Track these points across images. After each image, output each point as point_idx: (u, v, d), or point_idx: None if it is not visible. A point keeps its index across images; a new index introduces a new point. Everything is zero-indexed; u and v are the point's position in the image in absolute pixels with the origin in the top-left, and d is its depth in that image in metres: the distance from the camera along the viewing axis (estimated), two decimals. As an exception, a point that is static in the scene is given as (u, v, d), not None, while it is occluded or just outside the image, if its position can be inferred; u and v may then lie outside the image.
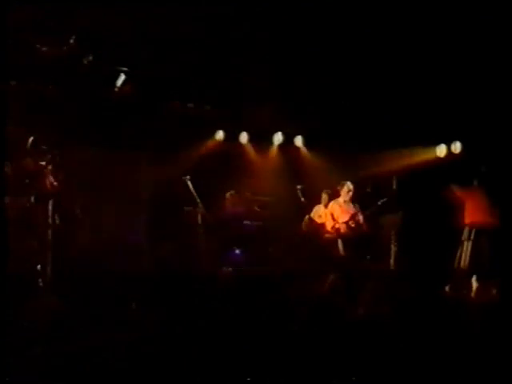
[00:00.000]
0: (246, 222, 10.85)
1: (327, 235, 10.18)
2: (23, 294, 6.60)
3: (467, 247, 9.48)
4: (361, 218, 10.06)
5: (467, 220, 9.59)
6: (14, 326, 5.46)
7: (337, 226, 10.07)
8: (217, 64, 9.57)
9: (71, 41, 8.52)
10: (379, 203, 10.11)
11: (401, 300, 7.31)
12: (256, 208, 11.18)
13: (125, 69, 9.66)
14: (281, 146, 12.07)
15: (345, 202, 10.19)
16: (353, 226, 9.99)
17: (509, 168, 9.83)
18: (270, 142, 12.05)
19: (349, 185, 10.17)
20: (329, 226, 10.19)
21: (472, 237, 9.47)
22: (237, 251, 10.46)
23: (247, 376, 5.04)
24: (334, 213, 10.19)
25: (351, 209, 10.14)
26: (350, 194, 10.16)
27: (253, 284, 8.42)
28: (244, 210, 10.98)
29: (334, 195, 10.47)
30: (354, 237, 9.95)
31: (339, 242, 9.96)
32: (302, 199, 10.80)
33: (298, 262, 10.08)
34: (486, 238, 9.35)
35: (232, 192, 10.98)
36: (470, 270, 9.17)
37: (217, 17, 8.40)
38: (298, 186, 10.91)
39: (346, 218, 10.06)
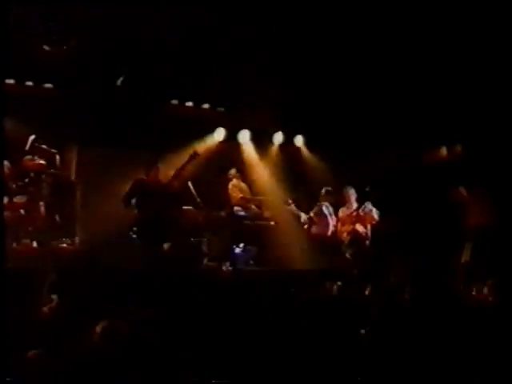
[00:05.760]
0: (246, 222, 10.85)
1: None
2: (23, 294, 6.60)
3: (469, 248, 9.48)
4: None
5: (469, 221, 9.59)
6: (14, 326, 5.46)
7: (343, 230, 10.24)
8: (217, 63, 9.57)
9: (71, 41, 8.53)
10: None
11: (402, 301, 7.32)
12: (255, 208, 11.19)
13: (125, 69, 9.67)
14: (281, 145, 12.07)
15: (350, 205, 10.37)
16: (360, 228, 10.12)
17: (509, 168, 9.83)
18: (270, 142, 12.05)
19: (350, 189, 10.35)
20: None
21: (474, 238, 9.47)
22: (237, 250, 10.45)
23: (247, 375, 5.05)
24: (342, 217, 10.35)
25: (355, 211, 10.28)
26: (353, 197, 10.35)
27: (253, 284, 8.43)
28: (244, 209, 11.00)
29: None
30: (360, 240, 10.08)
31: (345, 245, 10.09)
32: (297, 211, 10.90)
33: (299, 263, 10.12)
34: (488, 239, 9.34)
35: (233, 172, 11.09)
36: (471, 271, 9.17)
37: (217, 17, 8.42)
38: (289, 201, 10.98)
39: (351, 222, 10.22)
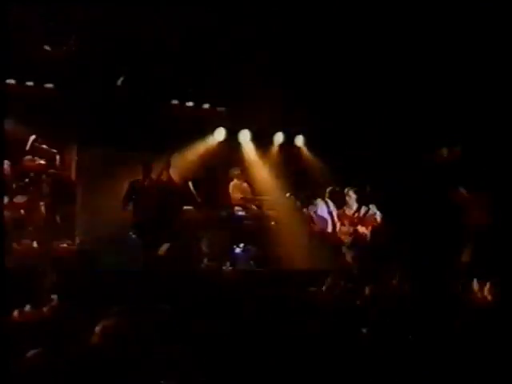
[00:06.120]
0: (246, 222, 10.85)
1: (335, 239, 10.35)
2: (24, 294, 6.60)
3: (469, 248, 9.48)
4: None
5: (469, 221, 9.59)
6: (14, 327, 5.46)
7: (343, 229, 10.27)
8: (217, 63, 9.58)
9: (71, 41, 8.53)
10: None
11: (402, 300, 7.32)
12: (256, 207, 11.19)
13: (125, 69, 9.68)
14: (281, 145, 12.08)
15: (350, 206, 10.39)
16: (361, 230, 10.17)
17: (509, 169, 9.84)
18: (270, 142, 12.05)
19: (350, 190, 10.39)
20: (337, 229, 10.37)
21: (474, 238, 9.47)
22: (237, 250, 10.46)
23: (247, 375, 5.04)
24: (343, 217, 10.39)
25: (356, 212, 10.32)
26: (354, 198, 10.37)
27: (253, 283, 8.42)
28: (244, 209, 11.01)
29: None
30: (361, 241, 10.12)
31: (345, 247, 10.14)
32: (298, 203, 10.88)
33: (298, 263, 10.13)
34: (488, 239, 9.35)
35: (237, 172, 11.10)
36: (471, 271, 9.17)
37: (217, 17, 8.42)
38: (287, 194, 11.00)
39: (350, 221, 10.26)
